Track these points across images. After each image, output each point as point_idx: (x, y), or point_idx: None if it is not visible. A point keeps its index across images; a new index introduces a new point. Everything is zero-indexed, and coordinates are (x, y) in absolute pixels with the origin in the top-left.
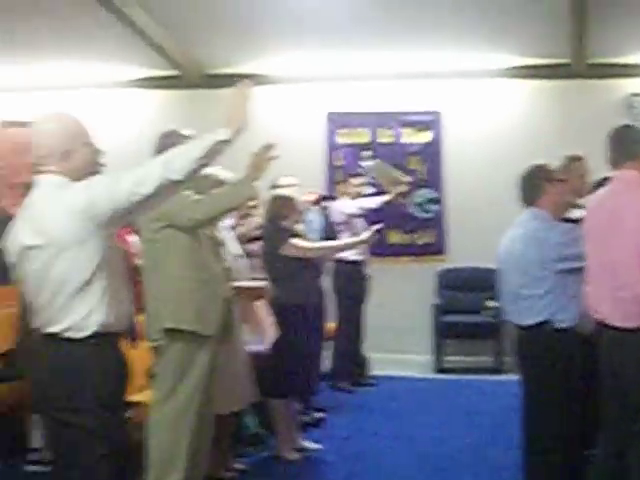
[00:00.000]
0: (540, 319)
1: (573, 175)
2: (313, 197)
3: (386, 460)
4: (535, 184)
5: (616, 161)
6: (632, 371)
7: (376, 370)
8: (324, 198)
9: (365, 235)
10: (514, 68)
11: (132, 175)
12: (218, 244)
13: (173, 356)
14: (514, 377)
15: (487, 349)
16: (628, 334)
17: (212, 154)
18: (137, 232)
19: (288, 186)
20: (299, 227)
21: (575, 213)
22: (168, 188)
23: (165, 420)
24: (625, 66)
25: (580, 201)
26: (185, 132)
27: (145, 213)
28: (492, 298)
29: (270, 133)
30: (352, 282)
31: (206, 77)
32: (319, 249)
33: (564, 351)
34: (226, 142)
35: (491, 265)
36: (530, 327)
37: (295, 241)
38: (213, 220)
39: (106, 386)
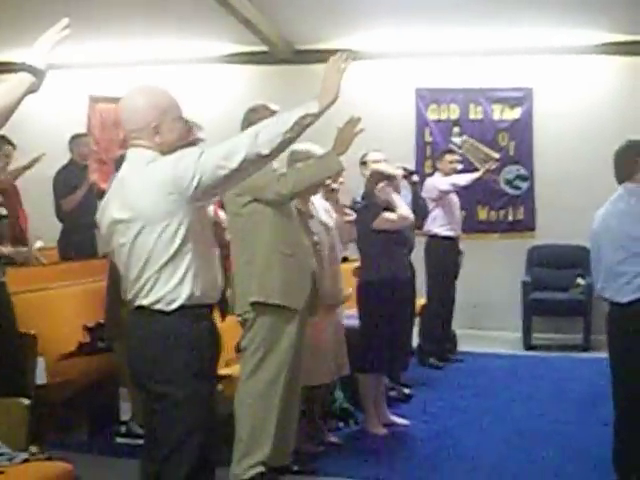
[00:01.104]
0: (638, 296)
1: None
2: (400, 172)
3: (473, 436)
4: (631, 160)
5: None
6: None
7: (465, 346)
8: (411, 173)
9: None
10: (605, 44)
11: (220, 149)
12: (307, 217)
13: (261, 330)
14: (603, 355)
15: (576, 327)
16: None
17: (300, 127)
18: (223, 207)
19: (376, 161)
20: (395, 200)
21: None
22: (255, 162)
23: (253, 394)
24: None
25: None
26: (273, 107)
27: (232, 187)
28: (582, 275)
29: (359, 108)
30: (445, 258)
31: (295, 52)
32: (405, 216)
33: None
34: (315, 115)
35: (581, 242)
36: (627, 304)
37: (387, 214)
38: (299, 194)
39: (197, 357)
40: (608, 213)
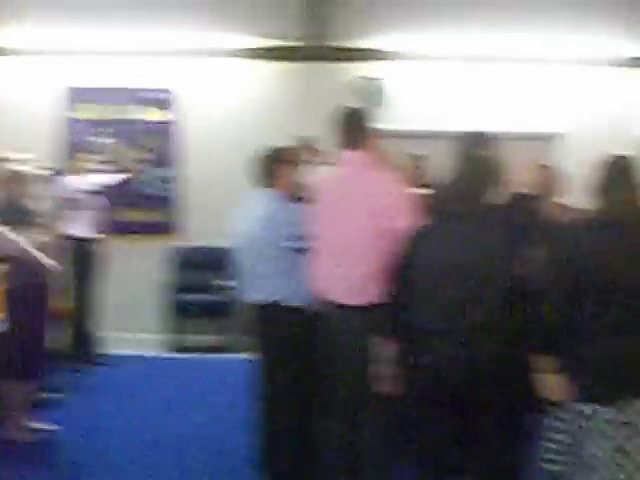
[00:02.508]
0: (271, 297)
1: (306, 155)
2: (42, 172)
3: (119, 441)
4: (269, 166)
5: (345, 143)
6: (356, 348)
7: (110, 349)
8: (55, 173)
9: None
10: (249, 49)
11: None
12: None
13: None
14: (246, 356)
15: (219, 328)
16: (353, 311)
17: None
18: None
19: (18, 160)
20: (29, 203)
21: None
22: None
23: None
24: (357, 50)
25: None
26: None
27: None
28: (223, 277)
29: (3, 105)
30: (82, 259)
31: None
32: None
33: (294, 328)
34: None
35: (222, 244)
36: (262, 305)
37: (20, 238)
38: None
39: None
40: (246, 217)
